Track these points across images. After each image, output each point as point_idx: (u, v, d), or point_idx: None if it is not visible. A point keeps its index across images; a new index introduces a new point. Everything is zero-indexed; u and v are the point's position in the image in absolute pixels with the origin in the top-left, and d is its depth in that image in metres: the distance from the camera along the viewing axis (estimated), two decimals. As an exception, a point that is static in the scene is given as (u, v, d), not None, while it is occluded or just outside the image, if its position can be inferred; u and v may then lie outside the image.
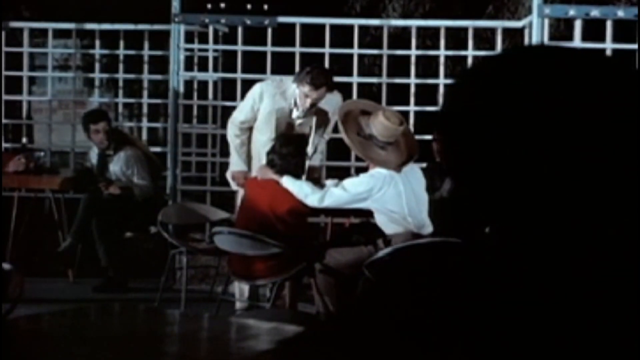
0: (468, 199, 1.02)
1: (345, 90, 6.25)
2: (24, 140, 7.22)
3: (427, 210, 5.18)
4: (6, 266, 4.04)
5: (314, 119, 5.57)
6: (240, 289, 5.48)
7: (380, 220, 5.05)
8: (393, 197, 4.98)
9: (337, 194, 4.98)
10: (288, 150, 5.11)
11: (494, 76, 1.00)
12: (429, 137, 6.57)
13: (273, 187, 5.05)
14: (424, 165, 6.74)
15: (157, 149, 7.55)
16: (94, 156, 7.05)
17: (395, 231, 5.02)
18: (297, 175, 5.12)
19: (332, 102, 5.63)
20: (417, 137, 7.04)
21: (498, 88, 0.98)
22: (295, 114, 5.54)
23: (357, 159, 6.19)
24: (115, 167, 6.87)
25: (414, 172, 5.21)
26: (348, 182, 5.08)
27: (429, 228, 5.13)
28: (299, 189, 5.04)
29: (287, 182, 5.08)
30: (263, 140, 5.50)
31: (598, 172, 0.94)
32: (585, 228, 0.96)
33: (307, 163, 5.55)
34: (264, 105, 5.55)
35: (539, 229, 0.97)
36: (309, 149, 5.61)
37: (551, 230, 0.96)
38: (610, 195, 0.94)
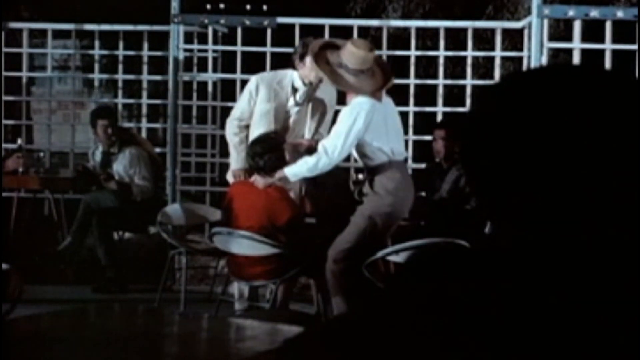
0: (482, 198, 1.04)
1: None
2: (19, 141, 7.21)
3: (403, 140, 5.22)
4: (5, 266, 4.03)
5: (310, 107, 5.57)
6: (240, 290, 5.48)
7: (363, 151, 5.00)
8: (379, 126, 4.96)
9: (339, 141, 4.86)
10: (262, 148, 5.05)
11: (529, 87, 1.04)
12: (428, 137, 6.58)
13: (269, 197, 5.00)
14: (424, 165, 6.75)
15: (157, 150, 7.55)
16: (97, 154, 7.05)
17: (376, 163, 4.98)
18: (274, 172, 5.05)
19: (328, 91, 5.65)
20: (417, 137, 7.08)
21: (530, 100, 1.02)
22: (291, 102, 5.54)
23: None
24: (119, 166, 6.87)
25: (390, 105, 5.14)
26: (335, 128, 4.96)
27: (404, 154, 5.19)
28: (305, 166, 4.93)
29: (290, 172, 4.97)
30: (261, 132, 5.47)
31: (612, 181, 0.97)
32: (596, 232, 0.97)
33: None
34: (261, 97, 5.54)
35: (554, 232, 0.98)
36: (306, 136, 5.58)
37: (562, 232, 0.98)
38: (622, 202, 0.96)
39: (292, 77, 5.51)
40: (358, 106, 4.90)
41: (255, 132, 5.48)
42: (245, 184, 5.30)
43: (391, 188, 4.94)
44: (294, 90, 5.51)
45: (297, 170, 4.98)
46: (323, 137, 5.74)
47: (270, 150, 5.03)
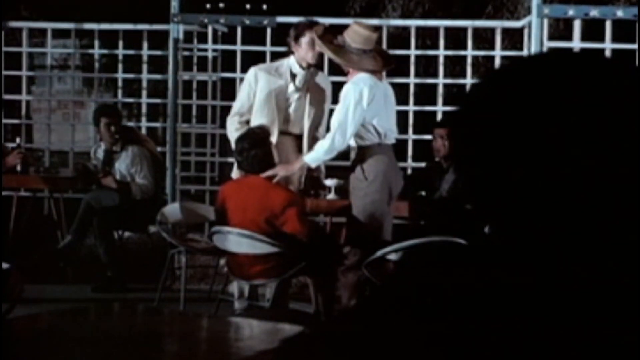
0: (476, 196, 1.03)
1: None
2: (18, 140, 7.21)
3: (395, 123, 5.32)
4: (5, 266, 4.03)
5: (309, 95, 5.59)
6: (240, 289, 5.47)
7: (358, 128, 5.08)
8: (379, 104, 5.07)
9: (348, 115, 4.98)
10: (249, 144, 5.04)
11: (520, 78, 1.02)
12: (428, 136, 6.57)
13: (261, 190, 4.98)
14: (424, 164, 6.75)
15: (157, 149, 7.55)
16: (100, 152, 7.05)
17: (367, 143, 5.11)
18: (265, 168, 5.05)
19: (325, 81, 5.70)
20: (417, 137, 7.08)
21: (522, 90, 1.00)
22: (291, 88, 5.55)
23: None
24: (121, 164, 6.87)
25: (389, 87, 5.31)
26: (342, 104, 5.05)
27: (394, 139, 5.29)
28: (322, 150, 5.07)
29: (310, 158, 5.14)
30: (263, 123, 5.47)
31: (610, 177, 0.95)
32: (592, 231, 0.96)
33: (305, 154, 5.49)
34: (261, 86, 5.56)
35: (547, 230, 0.97)
36: (306, 124, 5.58)
37: (559, 231, 0.97)
38: (621, 199, 0.95)
39: (290, 63, 5.56)
40: (361, 81, 5.03)
41: (257, 122, 5.47)
42: (235, 183, 5.29)
43: (379, 170, 5.08)
44: (293, 76, 5.54)
45: (316, 155, 5.14)
46: (322, 127, 5.77)
47: (257, 146, 5.02)
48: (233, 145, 5.70)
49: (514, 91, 1.00)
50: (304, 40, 5.42)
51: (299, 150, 5.53)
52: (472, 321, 0.93)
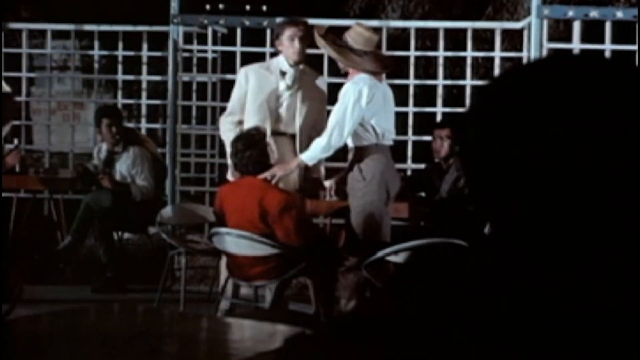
0: (480, 198, 1.03)
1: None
2: (16, 141, 7.21)
3: (394, 122, 5.35)
4: (5, 266, 4.04)
5: (300, 93, 5.58)
6: (226, 289, 5.42)
7: (356, 128, 5.11)
8: (379, 104, 5.11)
9: (346, 114, 5.02)
10: (243, 145, 5.03)
11: (523, 81, 1.02)
12: (428, 138, 6.58)
13: (257, 190, 4.97)
14: (423, 166, 6.75)
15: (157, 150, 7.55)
16: (102, 152, 7.05)
17: (364, 143, 5.14)
18: (260, 169, 5.05)
19: (319, 81, 5.72)
20: (416, 138, 7.08)
21: (525, 93, 1.00)
22: (282, 86, 5.55)
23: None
24: (122, 166, 6.87)
25: (388, 89, 5.36)
26: (341, 102, 5.10)
27: (392, 140, 5.30)
28: (319, 147, 5.09)
29: (307, 156, 5.14)
30: (255, 122, 5.46)
31: (612, 178, 0.95)
32: (594, 232, 0.96)
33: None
34: (252, 85, 5.56)
35: (548, 231, 0.97)
36: (297, 122, 5.58)
37: (560, 233, 0.97)
38: (624, 202, 0.95)
39: (279, 61, 5.57)
40: (361, 81, 5.07)
41: (250, 123, 5.47)
42: (233, 184, 5.28)
43: (377, 170, 5.10)
44: (283, 74, 5.55)
45: (312, 153, 5.15)
46: (319, 126, 5.76)
47: (251, 147, 5.02)
48: (227, 147, 5.70)
49: (517, 94, 1.01)
50: (284, 37, 5.47)
51: (295, 151, 5.52)
52: (471, 323, 0.94)
